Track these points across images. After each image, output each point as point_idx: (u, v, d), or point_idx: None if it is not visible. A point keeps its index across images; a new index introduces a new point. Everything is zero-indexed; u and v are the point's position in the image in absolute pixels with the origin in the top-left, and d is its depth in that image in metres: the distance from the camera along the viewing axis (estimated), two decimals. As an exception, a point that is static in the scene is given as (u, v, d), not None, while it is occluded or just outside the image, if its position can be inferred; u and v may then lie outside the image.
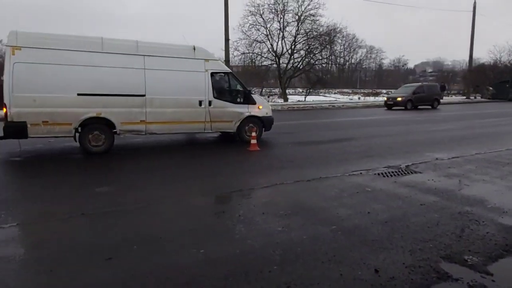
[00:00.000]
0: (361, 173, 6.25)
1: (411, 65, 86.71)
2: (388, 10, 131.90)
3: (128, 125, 8.02)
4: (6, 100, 6.91)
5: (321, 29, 30.72)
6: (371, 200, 4.73)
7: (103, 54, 7.65)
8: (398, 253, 3.22)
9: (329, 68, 49.28)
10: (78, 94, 7.41)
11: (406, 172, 6.30)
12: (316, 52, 31.49)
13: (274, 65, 32.21)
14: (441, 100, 26.46)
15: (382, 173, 6.20)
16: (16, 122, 7.00)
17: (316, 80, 33.19)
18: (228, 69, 9.73)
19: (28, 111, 7.04)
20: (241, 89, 9.53)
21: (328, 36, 31.60)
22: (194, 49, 8.62)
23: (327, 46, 32.39)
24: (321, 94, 41.20)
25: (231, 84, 9.47)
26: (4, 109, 6.98)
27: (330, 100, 32.31)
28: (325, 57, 34.85)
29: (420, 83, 27.24)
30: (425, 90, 24.57)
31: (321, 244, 3.41)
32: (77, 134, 7.63)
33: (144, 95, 8.00)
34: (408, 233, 3.67)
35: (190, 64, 8.52)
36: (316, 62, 32.57)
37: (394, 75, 77.44)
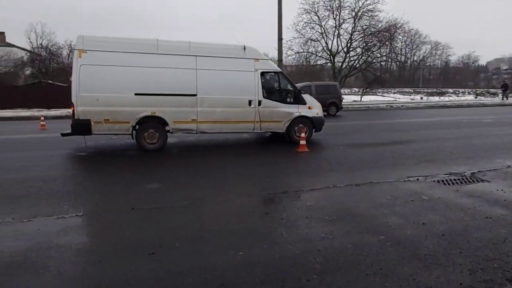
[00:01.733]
0: (418, 179, 5.78)
1: (482, 62, 79.24)
2: (457, 1, 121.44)
3: (180, 124, 8.31)
4: (73, 99, 7.55)
5: (379, 25, 29.30)
6: (427, 210, 4.33)
7: (158, 55, 8.01)
8: (455, 271, 2.88)
9: (388, 66, 46.87)
10: (136, 94, 7.84)
11: (470, 180, 5.69)
12: (374, 50, 30.10)
13: (329, 64, 31.44)
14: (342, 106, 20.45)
15: (442, 180, 5.67)
16: (82, 120, 7.61)
17: (373, 79, 31.72)
18: (278, 69, 9.65)
19: (92, 110, 7.62)
20: (291, 88, 9.39)
21: (388, 32, 30.00)
22: (244, 48, 8.67)
23: (386, 43, 30.78)
24: (378, 93, 39.38)
25: (281, 84, 9.37)
26: (72, 108, 7.62)
27: (388, 100, 30.71)
28: (384, 54, 33.17)
29: (308, 82, 20.27)
30: (314, 91, 17.82)
31: (366, 254, 3.18)
32: (134, 132, 8.09)
33: (195, 95, 8.23)
34: (469, 249, 3.27)
35: (240, 64, 8.59)
36: (374, 60, 31.11)
37: (463, 73, 71.35)
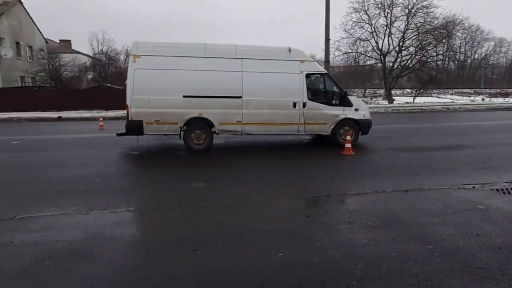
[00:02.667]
0: (473, 187, 5.38)
1: (557, 59, 71.17)
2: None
3: (226, 125, 8.52)
4: (128, 101, 8.07)
5: (435, 22, 27.52)
6: (483, 220, 4.02)
7: (206, 58, 8.29)
8: (510, 287, 2.66)
9: (446, 65, 43.98)
10: (184, 96, 8.19)
11: (536, 190, 5.18)
12: (429, 48, 28.35)
13: (379, 64, 30.19)
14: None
15: (502, 189, 5.23)
16: (135, 121, 8.11)
17: (428, 80, 29.88)
18: (323, 70, 9.50)
19: (144, 111, 8.08)
20: (337, 90, 9.20)
21: (445, 30, 28.14)
22: (290, 50, 8.66)
23: (443, 40, 28.87)
24: (434, 95, 37.12)
25: (327, 86, 9.22)
26: (126, 110, 8.15)
27: (445, 102, 28.78)
28: (441, 53, 31.14)
29: None
30: None
31: (411, 264, 3.04)
32: (182, 133, 8.44)
33: (240, 97, 8.39)
34: (530, 265, 3.00)
35: (285, 66, 8.60)
36: (429, 60, 29.32)
37: (532, 71, 64.75)
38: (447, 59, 36.91)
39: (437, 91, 37.88)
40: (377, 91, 38.85)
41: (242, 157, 8.22)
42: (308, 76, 8.82)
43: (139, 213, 4.60)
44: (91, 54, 34.60)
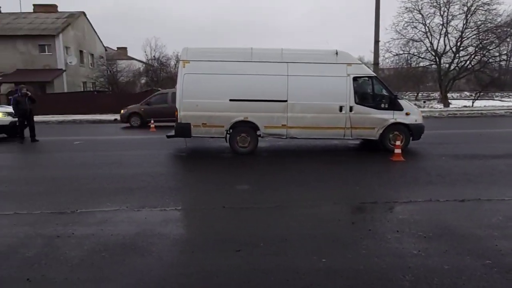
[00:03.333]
0: (541, 199, 4.89)
1: None
2: None
3: (271, 129, 8.57)
4: (177, 105, 8.45)
5: (498, 20, 25.50)
6: (552, 236, 3.64)
7: (252, 63, 8.42)
8: None
9: (510, 66, 40.48)
10: (230, 100, 8.38)
11: None
12: (491, 48, 26.29)
13: (434, 66, 28.55)
14: None
15: None
16: (183, 124, 8.45)
17: (489, 82, 27.69)
18: (372, 73, 9.20)
19: (192, 114, 8.40)
20: (386, 94, 8.86)
21: (509, 28, 25.94)
22: (337, 53, 8.50)
23: (507, 39, 26.63)
24: (496, 98, 34.29)
25: (375, 89, 8.91)
26: (176, 113, 8.52)
27: (508, 106, 26.45)
28: (504, 53, 28.75)
29: (161, 91, 18.05)
30: (171, 99, 14.34)
31: (466, 279, 2.84)
32: (228, 136, 8.64)
33: (286, 101, 8.39)
34: None
35: (332, 69, 8.45)
36: (491, 60, 27.15)
37: None
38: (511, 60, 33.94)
39: (499, 94, 34.98)
40: (431, 94, 36.76)
41: (286, 160, 8.21)
42: (355, 79, 8.60)
43: (185, 212, 4.78)
44: (144, 60, 36.70)
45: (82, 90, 31.09)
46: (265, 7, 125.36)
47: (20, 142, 11.11)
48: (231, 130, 8.60)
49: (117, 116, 19.83)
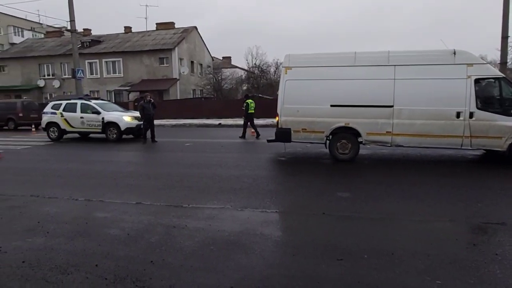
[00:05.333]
0: None
1: None
2: None
3: (374, 136, 8.13)
4: (278, 110, 8.67)
5: None
6: None
7: (355, 67, 8.12)
8: None
9: None
10: (331, 106, 8.23)
11: None
12: None
13: None
14: None
15: None
16: (284, 129, 8.63)
17: None
18: (499, 74, 7.91)
19: (293, 120, 8.51)
20: (517, 97, 7.56)
21: None
22: (454, 53, 7.60)
23: None
24: None
25: (503, 92, 7.65)
26: (277, 118, 8.75)
27: None
28: None
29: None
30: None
31: None
32: (327, 142, 8.49)
33: (391, 106, 7.86)
34: None
35: (448, 71, 7.58)
36: None
37: None
38: None
39: None
40: None
41: (390, 170, 7.66)
42: (477, 81, 7.56)
43: (286, 215, 4.86)
44: (246, 67, 38.76)
45: (191, 97, 34.39)
46: (374, 9, 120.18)
47: (143, 143, 12.83)
48: (331, 136, 8.44)
49: (222, 121, 21.32)
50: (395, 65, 7.88)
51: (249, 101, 14.27)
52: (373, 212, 4.72)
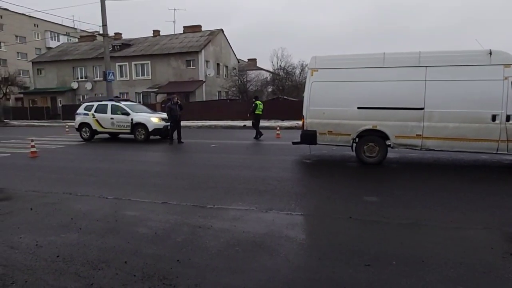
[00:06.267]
0: None
1: None
2: None
3: (403, 139, 7.90)
4: (304, 112, 8.60)
5: None
6: None
7: (383, 68, 7.93)
8: None
9: None
10: (358, 108, 8.08)
11: None
12: None
13: None
14: None
15: None
16: (309, 131, 8.55)
17: None
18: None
19: (318, 122, 8.42)
20: None
21: None
22: (490, 53, 7.26)
23: None
24: None
25: (547, 94, 7.23)
26: (302, 120, 8.69)
27: None
28: None
29: None
30: None
31: None
32: (354, 144, 8.33)
33: (422, 108, 7.61)
34: None
35: (483, 72, 7.25)
36: None
37: None
38: None
39: None
40: None
41: (420, 174, 7.42)
42: (516, 82, 7.18)
43: (311, 218, 4.80)
44: (271, 69, 38.78)
45: (217, 98, 34.79)
46: (401, 9, 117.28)
47: (170, 143, 13.11)
48: (357, 139, 8.28)
49: (246, 123, 21.43)
50: (426, 66, 7.63)
51: (257, 102, 14.61)
52: (401, 218, 4.59)
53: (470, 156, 8.93)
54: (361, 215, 4.72)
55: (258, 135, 14.23)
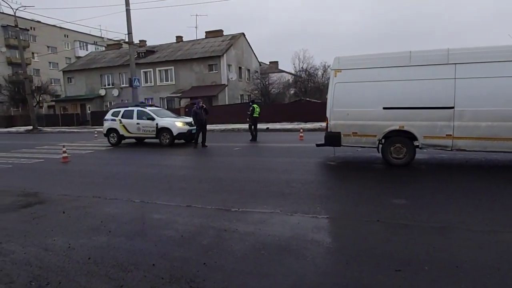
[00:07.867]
0: None
1: None
2: None
3: (432, 139, 7.63)
4: (327, 114, 8.48)
5: None
6: None
7: (410, 67, 7.69)
8: None
9: None
10: (384, 108, 7.88)
11: None
12: None
13: None
14: None
15: None
16: (333, 132, 8.42)
17: None
18: None
19: (342, 123, 8.28)
20: None
21: None
22: (525, 48, 6.92)
23: None
24: None
25: None
26: (326, 122, 8.57)
27: None
28: None
29: None
30: None
31: None
32: (380, 146, 8.13)
33: (452, 107, 7.32)
34: None
35: (517, 68, 6.91)
36: None
37: None
38: None
39: None
40: None
41: (451, 176, 7.13)
42: (554, 79, 6.79)
43: (337, 221, 4.71)
44: (293, 71, 38.58)
45: (239, 102, 34.99)
46: (429, 8, 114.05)
47: (194, 147, 13.28)
48: (383, 140, 8.07)
49: (269, 125, 21.42)
50: (455, 63, 7.34)
51: (255, 105, 15.24)
52: (432, 221, 4.42)
53: (506, 156, 8.51)
54: (389, 218, 4.59)
55: (254, 138, 14.81)
